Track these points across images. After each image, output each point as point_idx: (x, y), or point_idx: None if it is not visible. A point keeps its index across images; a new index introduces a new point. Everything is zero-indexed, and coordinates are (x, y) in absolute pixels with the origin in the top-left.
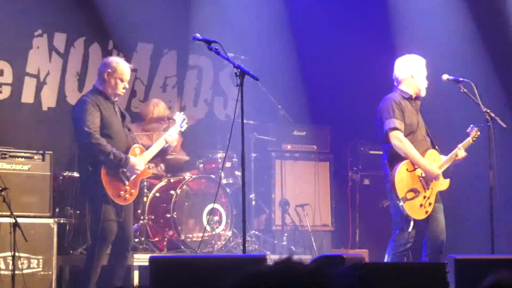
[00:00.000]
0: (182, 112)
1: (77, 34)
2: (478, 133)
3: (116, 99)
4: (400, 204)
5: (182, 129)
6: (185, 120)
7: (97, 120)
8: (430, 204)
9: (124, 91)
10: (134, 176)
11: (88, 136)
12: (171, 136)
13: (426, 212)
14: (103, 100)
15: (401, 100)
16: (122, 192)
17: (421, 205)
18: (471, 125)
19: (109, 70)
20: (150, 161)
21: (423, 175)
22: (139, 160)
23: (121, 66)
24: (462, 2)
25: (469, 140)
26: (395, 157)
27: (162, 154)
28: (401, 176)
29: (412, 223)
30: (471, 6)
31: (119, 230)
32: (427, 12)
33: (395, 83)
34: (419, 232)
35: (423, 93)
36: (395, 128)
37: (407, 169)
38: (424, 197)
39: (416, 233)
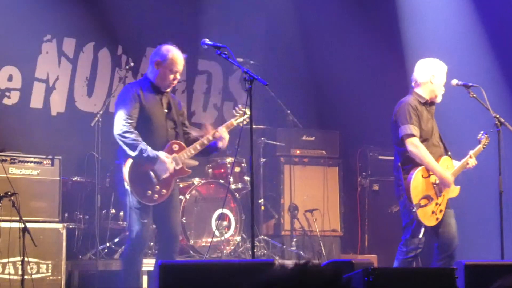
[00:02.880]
0: (247, 107)
1: (86, 39)
2: (488, 140)
3: (169, 89)
4: (414, 210)
5: (240, 125)
6: (246, 116)
7: (134, 111)
8: (441, 211)
9: (175, 82)
10: (166, 175)
11: (119, 127)
12: (219, 132)
13: (437, 219)
14: (148, 90)
15: (418, 105)
16: (149, 192)
17: (433, 212)
18: (481, 132)
19: (159, 60)
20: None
21: (437, 182)
22: (172, 158)
23: (172, 55)
24: (471, 7)
25: (480, 147)
26: (409, 161)
27: (208, 152)
28: (417, 182)
29: (423, 230)
30: (479, 10)
31: (162, 231)
32: (436, 16)
33: (413, 84)
34: (428, 238)
35: (439, 99)
36: (412, 135)
37: (422, 176)
38: (437, 204)
39: (425, 238)
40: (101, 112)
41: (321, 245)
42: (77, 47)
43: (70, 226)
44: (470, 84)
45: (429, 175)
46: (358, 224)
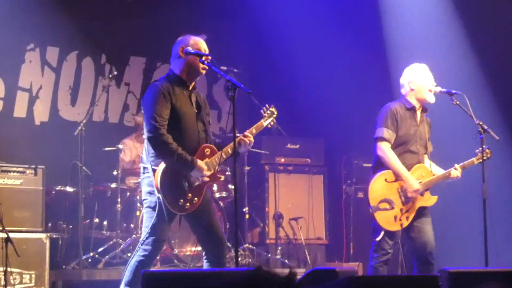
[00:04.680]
0: (272, 106)
1: (70, 48)
2: (489, 154)
3: (196, 79)
4: (371, 212)
5: (269, 126)
6: (274, 115)
7: (166, 112)
8: (407, 218)
9: (206, 68)
10: (199, 183)
11: (152, 130)
12: (250, 135)
13: (402, 225)
14: (178, 87)
15: (401, 110)
16: (181, 200)
17: (395, 217)
18: (484, 146)
19: (182, 46)
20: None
21: (403, 188)
22: (206, 164)
23: (193, 37)
24: (454, 14)
25: (472, 160)
26: (380, 165)
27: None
28: (377, 185)
29: (382, 233)
30: (463, 17)
31: (207, 239)
32: (420, 22)
33: (402, 92)
34: (406, 245)
35: (430, 99)
36: (383, 139)
37: (385, 179)
38: (401, 210)
39: (402, 245)
40: (84, 121)
41: (306, 253)
42: (60, 56)
43: (54, 236)
44: (454, 91)
45: (395, 180)
46: (343, 232)
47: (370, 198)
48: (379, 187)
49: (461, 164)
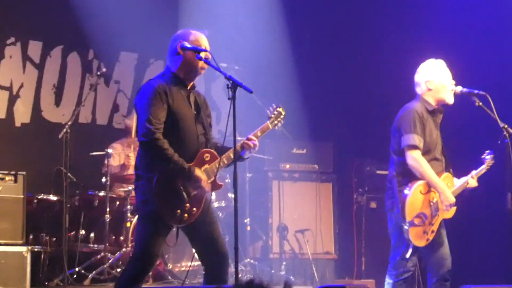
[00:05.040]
0: (279, 106)
1: (54, 42)
2: (493, 161)
3: (195, 79)
4: (406, 228)
5: (276, 128)
6: (282, 116)
7: (162, 114)
8: (432, 231)
9: (206, 67)
10: (197, 192)
11: (146, 134)
12: (255, 139)
13: (427, 240)
14: (175, 87)
15: (424, 113)
16: (178, 211)
17: (424, 232)
18: (487, 151)
19: (182, 41)
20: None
21: (435, 200)
22: (206, 171)
23: (195, 32)
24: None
25: (483, 168)
26: (407, 173)
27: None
28: (414, 198)
29: (410, 250)
30: (486, 9)
31: (207, 253)
32: (439, 17)
33: (418, 91)
34: (422, 260)
35: (449, 100)
36: (415, 147)
37: (420, 191)
38: (430, 223)
39: (419, 260)
40: (70, 123)
41: (314, 269)
42: (43, 51)
43: (35, 249)
44: (476, 91)
45: (428, 191)
46: (354, 245)
47: (407, 213)
48: (416, 200)
49: (476, 171)
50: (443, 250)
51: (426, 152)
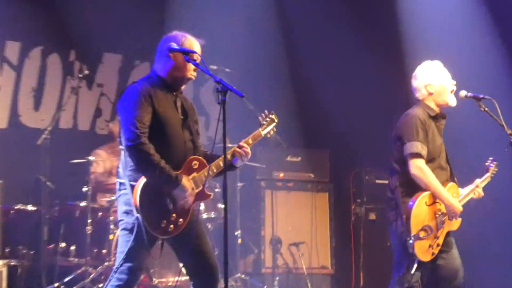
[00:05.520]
0: (272, 113)
1: (33, 43)
2: (497, 169)
3: (183, 87)
4: (410, 241)
5: (268, 135)
6: (275, 123)
7: (147, 118)
8: (438, 245)
9: (195, 74)
10: (183, 202)
11: (131, 138)
12: (246, 146)
13: (433, 254)
14: (161, 90)
15: (427, 119)
16: (164, 222)
17: (430, 246)
18: (490, 159)
19: (173, 44)
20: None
21: (441, 211)
22: (194, 180)
23: (188, 37)
24: (482, 8)
25: (488, 176)
26: (411, 183)
27: (222, 171)
28: (419, 210)
29: (416, 265)
30: (493, 11)
31: (195, 267)
32: (440, 19)
33: (417, 96)
34: (425, 275)
35: (452, 103)
36: (418, 155)
37: (425, 203)
38: (435, 236)
39: (422, 275)
40: (49, 129)
41: (309, 284)
42: (22, 52)
43: (12, 263)
44: (481, 96)
45: (433, 203)
46: (351, 259)
47: (412, 226)
48: (421, 212)
49: (481, 181)
50: (455, 262)
51: (430, 160)
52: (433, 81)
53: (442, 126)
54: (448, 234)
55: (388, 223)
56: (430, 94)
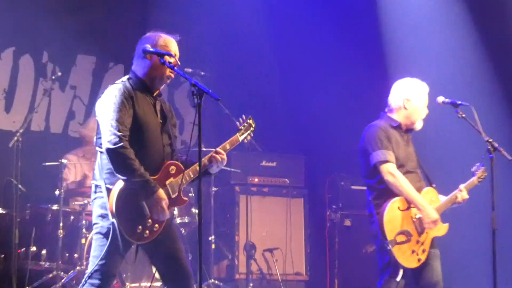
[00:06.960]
0: (250, 118)
1: (5, 44)
2: (485, 173)
3: (161, 88)
4: (389, 248)
5: (245, 141)
6: (252, 129)
7: (128, 120)
8: (424, 251)
9: (172, 76)
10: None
11: (113, 141)
12: (223, 152)
13: (419, 260)
14: (141, 93)
15: (388, 128)
16: (140, 227)
17: (413, 251)
18: (477, 164)
19: (149, 45)
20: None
21: (418, 216)
22: (171, 185)
23: (164, 36)
24: (464, 16)
25: (473, 180)
26: (383, 195)
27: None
28: (392, 215)
29: (401, 272)
30: (474, 20)
31: (169, 273)
32: (419, 26)
33: (386, 109)
34: (411, 283)
35: (418, 126)
36: (386, 161)
37: (398, 208)
38: (417, 241)
39: (405, 283)
40: (21, 131)
41: None
42: None
43: None
44: (459, 102)
45: (408, 208)
46: (326, 266)
47: (387, 231)
48: (394, 217)
49: (464, 185)
50: (435, 273)
51: (398, 166)
52: (413, 100)
53: (408, 137)
54: (433, 245)
55: (372, 236)
56: (404, 108)
